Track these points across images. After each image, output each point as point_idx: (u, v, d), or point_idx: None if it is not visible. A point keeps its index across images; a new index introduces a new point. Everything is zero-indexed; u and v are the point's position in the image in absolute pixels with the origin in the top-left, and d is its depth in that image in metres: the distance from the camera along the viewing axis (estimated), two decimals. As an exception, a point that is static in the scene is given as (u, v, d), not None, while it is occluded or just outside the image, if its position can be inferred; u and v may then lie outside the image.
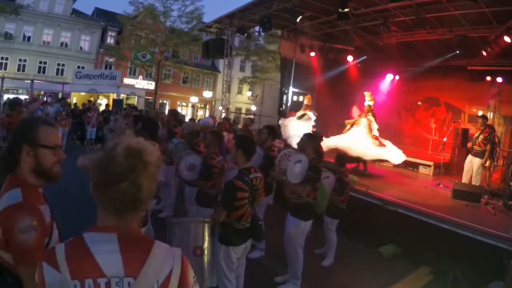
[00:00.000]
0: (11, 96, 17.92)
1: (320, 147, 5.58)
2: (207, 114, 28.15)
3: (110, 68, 25.37)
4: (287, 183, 3.68)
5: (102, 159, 1.01)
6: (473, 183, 6.89)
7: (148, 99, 25.94)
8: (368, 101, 8.28)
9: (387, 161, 8.24)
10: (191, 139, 4.87)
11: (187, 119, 11.01)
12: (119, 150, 1.00)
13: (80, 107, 14.72)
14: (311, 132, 7.28)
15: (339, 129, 9.26)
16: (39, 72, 23.57)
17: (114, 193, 0.98)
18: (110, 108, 15.22)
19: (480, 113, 9.13)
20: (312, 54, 11.59)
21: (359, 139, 7.94)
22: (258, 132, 6.21)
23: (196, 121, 10.75)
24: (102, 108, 17.68)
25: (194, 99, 29.29)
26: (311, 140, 3.85)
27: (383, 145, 8.01)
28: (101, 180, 1.00)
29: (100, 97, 23.68)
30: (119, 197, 0.98)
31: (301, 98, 11.29)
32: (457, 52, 8.48)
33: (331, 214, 4.60)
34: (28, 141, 1.40)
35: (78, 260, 0.96)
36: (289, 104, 11.96)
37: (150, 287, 0.99)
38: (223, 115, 12.61)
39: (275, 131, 4.98)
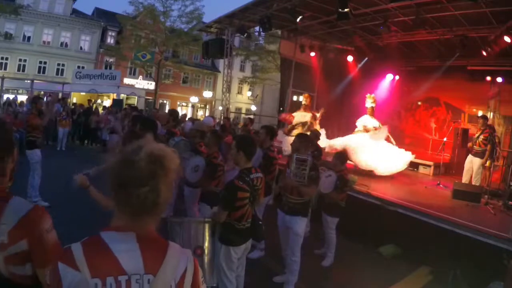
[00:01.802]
0: (11, 96, 17.97)
1: (318, 145, 5.62)
2: (207, 114, 28.15)
3: (110, 68, 25.38)
4: (299, 187, 3.67)
5: (123, 162, 1.02)
6: (473, 183, 6.89)
7: (148, 99, 25.94)
8: (371, 103, 8.31)
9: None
10: (195, 137, 4.89)
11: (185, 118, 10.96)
12: (142, 155, 1.00)
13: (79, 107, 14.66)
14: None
15: (340, 130, 9.27)
16: (39, 72, 23.57)
17: (133, 197, 0.99)
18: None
19: (480, 113, 9.15)
20: (312, 54, 11.59)
21: (368, 144, 7.97)
22: (255, 132, 6.23)
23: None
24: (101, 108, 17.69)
25: (194, 99, 29.29)
26: (303, 140, 3.86)
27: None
28: (121, 183, 1.00)
29: (105, 97, 23.71)
30: (139, 201, 0.99)
31: (301, 98, 11.26)
32: (457, 54, 8.50)
33: (331, 213, 4.62)
34: (16, 145, 1.36)
35: (98, 259, 0.96)
36: (288, 105, 11.95)
37: (168, 285, 1.01)
38: (222, 115, 12.62)
39: (273, 131, 4.98)
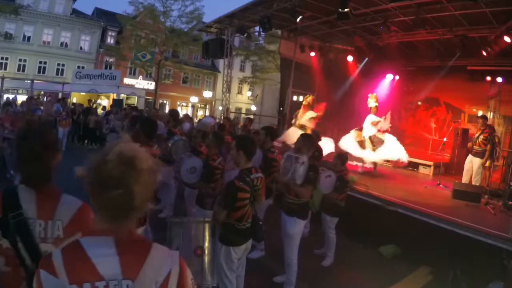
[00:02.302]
0: (11, 96, 17.96)
1: (319, 146, 5.61)
2: (207, 114, 28.14)
3: (110, 68, 25.37)
4: (291, 185, 3.68)
5: (95, 164, 1.00)
6: (473, 183, 6.89)
7: (148, 99, 25.94)
8: (374, 103, 8.30)
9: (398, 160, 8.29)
10: (196, 137, 4.89)
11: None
12: (111, 157, 0.98)
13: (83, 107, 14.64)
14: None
15: (340, 130, 9.25)
16: (39, 72, 23.56)
17: (107, 199, 0.97)
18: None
19: (480, 113, 9.14)
20: (312, 54, 11.59)
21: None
22: (254, 132, 6.21)
23: (196, 120, 10.71)
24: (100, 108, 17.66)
25: (194, 99, 29.29)
26: (306, 140, 3.87)
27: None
28: (94, 186, 0.99)
29: (102, 97, 23.69)
30: (112, 204, 0.98)
31: (301, 98, 11.25)
32: (458, 54, 8.49)
33: (330, 213, 4.62)
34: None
35: (76, 265, 0.95)
36: (288, 105, 11.95)
37: None
38: (222, 115, 12.61)
39: (273, 132, 4.94)
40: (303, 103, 9.05)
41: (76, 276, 0.94)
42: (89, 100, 16.69)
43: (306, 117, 8.52)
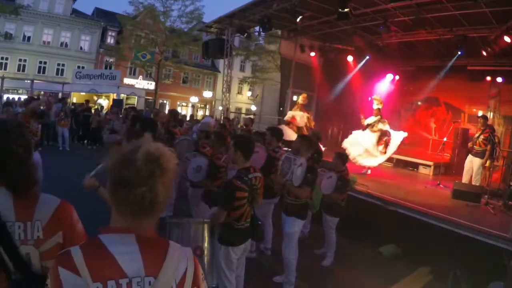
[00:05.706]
0: (11, 96, 17.96)
1: (319, 146, 5.60)
2: (207, 114, 28.12)
3: (110, 68, 25.36)
4: (288, 187, 3.68)
5: (121, 162, 1.01)
6: (473, 183, 6.89)
7: (148, 99, 25.94)
8: (377, 105, 8.25)
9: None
10: (200, 138, 4.93)
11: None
12: (139, 155, 1.00)
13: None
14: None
15: (339, 130, 9.25)
16: (39, 72, 23.55)
17: (131, 197, 0.98)
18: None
19: (480, 113, 9.14)
20: (312, 54, 11.60)
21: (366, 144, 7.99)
22: (255, 133, 6.22)
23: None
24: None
25: (194, 99, 29.29)
26: (304, 141, 3.87)
27: (383, 153, 8.05)
28: (119, 183, 1.00)
29: (102, 97, 23.70)
30: (137, 201, 0.98)
31: (295, 98, 11.25)
32: (460, 53, 8.44)
33: (332, 212, 4.63)
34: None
35: (98, 262, 0.95)
36: (288, 105, 11.95)
37: (169, 286, 1.01)
38: (222, 115, 12.62)
39: (279, 133, 4.93)
40: (300, 102, 9.05)
41: (99, 274, 0.93)
42: (86, 101, 16.56)
43: (302, 118, 8.58)
